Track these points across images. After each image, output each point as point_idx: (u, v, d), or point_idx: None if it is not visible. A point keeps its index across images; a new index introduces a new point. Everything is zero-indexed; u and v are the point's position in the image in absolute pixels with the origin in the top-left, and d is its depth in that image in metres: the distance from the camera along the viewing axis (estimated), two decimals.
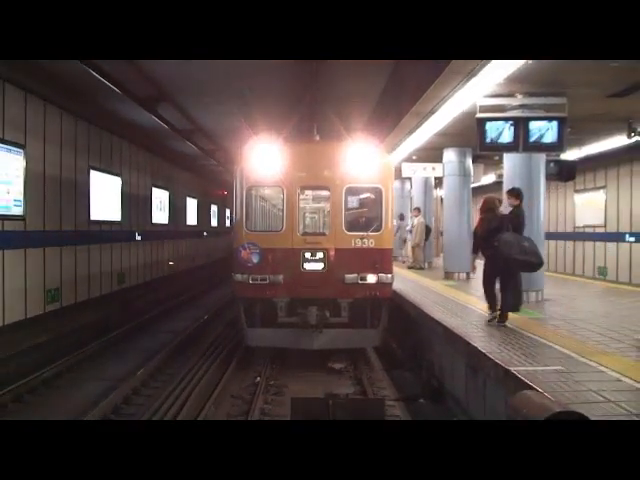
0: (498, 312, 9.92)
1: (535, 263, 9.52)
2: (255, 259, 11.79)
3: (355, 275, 11.75)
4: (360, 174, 11.93)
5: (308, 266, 11.86)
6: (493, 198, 10.66)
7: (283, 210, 12.09)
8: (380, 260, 11.86)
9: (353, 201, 13.28)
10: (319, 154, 12.39)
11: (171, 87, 14.85)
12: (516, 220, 10.61)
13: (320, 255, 11.88)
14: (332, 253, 11.89)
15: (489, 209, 10.27)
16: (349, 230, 12.03)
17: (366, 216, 13.10)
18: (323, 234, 12.97)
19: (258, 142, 11.97)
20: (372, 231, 12.00)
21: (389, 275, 11.98)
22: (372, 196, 12.89)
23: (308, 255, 11.85)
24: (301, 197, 13.03)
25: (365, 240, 11.87)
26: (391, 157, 14.60)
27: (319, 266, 11.88)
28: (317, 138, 14.12)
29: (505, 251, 9.34)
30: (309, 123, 15.59)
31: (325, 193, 14.05)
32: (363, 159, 11.82)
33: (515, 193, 10.81)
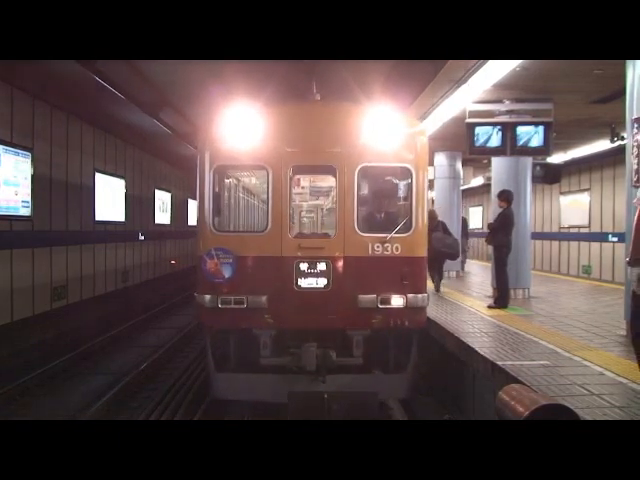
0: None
1: (453, 254, 13.56)
2: (227, 272, 8.27)
3: (373, 296, 8.24)
4: (380, 149, 8.30)
5: (305, 282, 8.29)
6: (433, 210, 14.07)
7: (268, 201, 8.47)
8: (410, 274, 8.32)
9: (370, 188, 9.81)
10: (320, 121, 8.51)
11: (173, 92, 15.02)
12: (504, 220, 11.25)
13: (322, 267, 8.30)
14: (340, 264, 8.32)
15: (430, 218, 11.68)
16: (364, 230, 8.45)
17: (389, 210, 9.72)
18: (326, 236, 9.74)
19: (231, 106, 8.39)
20: (398, 232, 8.39)
21: (422, 296, 8.43)
22: (398, 181, 9.57)
23: (304, 267, 8.29)
24: (295, 190, 10.47)
25: (388, 245, 8.30)
26: (424, 126, 9.92)
27: (321, 283, 8.31)
28: (317, 98, 9.71)
29: (434, 244, 11.98)
30: (306, 77, 11.05)
31: (325, 184, 12.12)
32: (385, 128, 8.27)
33: (503, 196, 11.50)
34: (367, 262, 8.36)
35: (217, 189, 8.79)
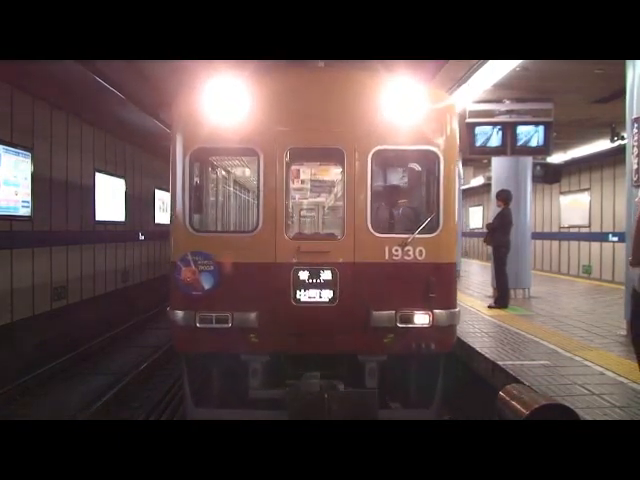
0: None
1: None
2: (206, 283, 6.74)
3: (391, 313, 6.68)
4: (400, 129, 6.71)
5: (305, 296, 6.73)
6: None
7: (258, 193, 6.88)
8: (437, 284, 6.73)
9: (387, 177, 8.46)
10: (324, 93, 6.84)
11: (173, 92, 15.07)
12: (503, 220, 11.33)
13: (327, 276, 6.72)
14: (349, 272, 6.71)
15: None
16: (380, 230, 6.93)
17: (411, 205, 8.22)
18: (332, 237, 7.97)
19: (213, 78, 6.73)
20: (422, 232, 6.82)
21: (453, 312, 6.91)
22: (421, 169, 8.08)
23: (304, 276, 6.71)
24: (294, 185, 9.45)
25: (409, 249, 6.75)
26: (455, 99, 8.16)
27: (325, 296, 6.74)
28: (321, 65, 7.52)
29: None
30: None
31: (329, 177, 10.89)
32: (405, 102, 6.64)
33: (501, 196, 11.60)
34: (383, 270, 6.78)
35: (194, 178, 7.23)
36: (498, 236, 11.47)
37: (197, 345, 6.86)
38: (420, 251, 6.75)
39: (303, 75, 7.06)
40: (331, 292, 6.71)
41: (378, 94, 6.68)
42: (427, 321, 6.69)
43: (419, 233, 6.76)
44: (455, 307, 6.98)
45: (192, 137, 6.81)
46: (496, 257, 11.79)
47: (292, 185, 8.51)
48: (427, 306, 6.70)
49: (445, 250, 6.91)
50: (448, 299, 6.88)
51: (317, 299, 6.72)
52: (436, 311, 6.69)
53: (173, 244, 7.06)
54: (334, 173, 9.60)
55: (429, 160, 7.15)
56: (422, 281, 6.69)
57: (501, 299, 11.68)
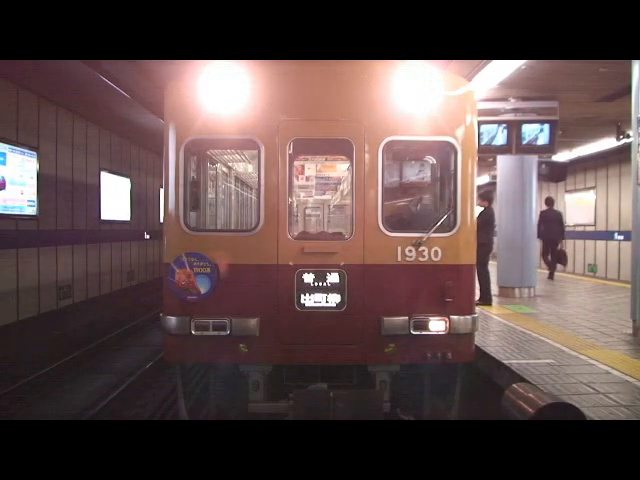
0: None
1: None
2: (203, 286, 6.23)
3: (404, 319, 6.22)
4: (413, 118, 6.25)
5: (310, 300, 6.29)
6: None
7: (259, 188, 6.37)
8: (454, 288, 6.28)
9: (400, 171, 8.08)
10: (330, 80, 6.33)
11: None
12: (485, 219, 11.39)
13: (334, 279, 6.28)
14: (358, 275, 6.27)
15: None
16: (391, 229, 6.40)
17: (424, 202, 7.75)
18: (339, 237, 7.68)
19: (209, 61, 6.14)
20: (437, 231, 6.36)
21: (471, 318, 6.41)
22: (437, 162, 7.62)
23: (309, 279, 6.27)
24: (297, 182, 8.88)
25: (424, 249, 6.29)
26: (473, 87, 7.15)
27: (332, 300, 6.30)
28: None
29: None
30: None
31: (335, 173, 10.44)
32: (419, 89, 6.18)
33: (486, 197, 11.67)
34: (395, 272, 6.31)
35: (190, 173, 6.67)
36: (480, 234, 11.47)
37: (192, 355, 6.37)
38: (435, 252, 6.31)
39: (306, 61, 6.18)
40: (338, 296, 6.28)
41: (390, 80, 6.21)
42: (443, 328, 6.24)
43: (434, 232, 6.31)
44: (474, 312, 6.50)
45: (186, 127, 6.26)
46: (477, 255, 11.80)
47: (296, 182, 8.03)
48: (443, 312, 6.27)
49: (463, 250, 6.45)
50: (466, 304, 6.44)
51: (323, 304, 6.29)
52: (453, 317, 6.26)
53: (166, 244, 6.47)
54: (341, 169, 9.22)
55: (446, 152, 6.69)
56: (438, 284, 6.26)
57: (483, 296, 11.65)
